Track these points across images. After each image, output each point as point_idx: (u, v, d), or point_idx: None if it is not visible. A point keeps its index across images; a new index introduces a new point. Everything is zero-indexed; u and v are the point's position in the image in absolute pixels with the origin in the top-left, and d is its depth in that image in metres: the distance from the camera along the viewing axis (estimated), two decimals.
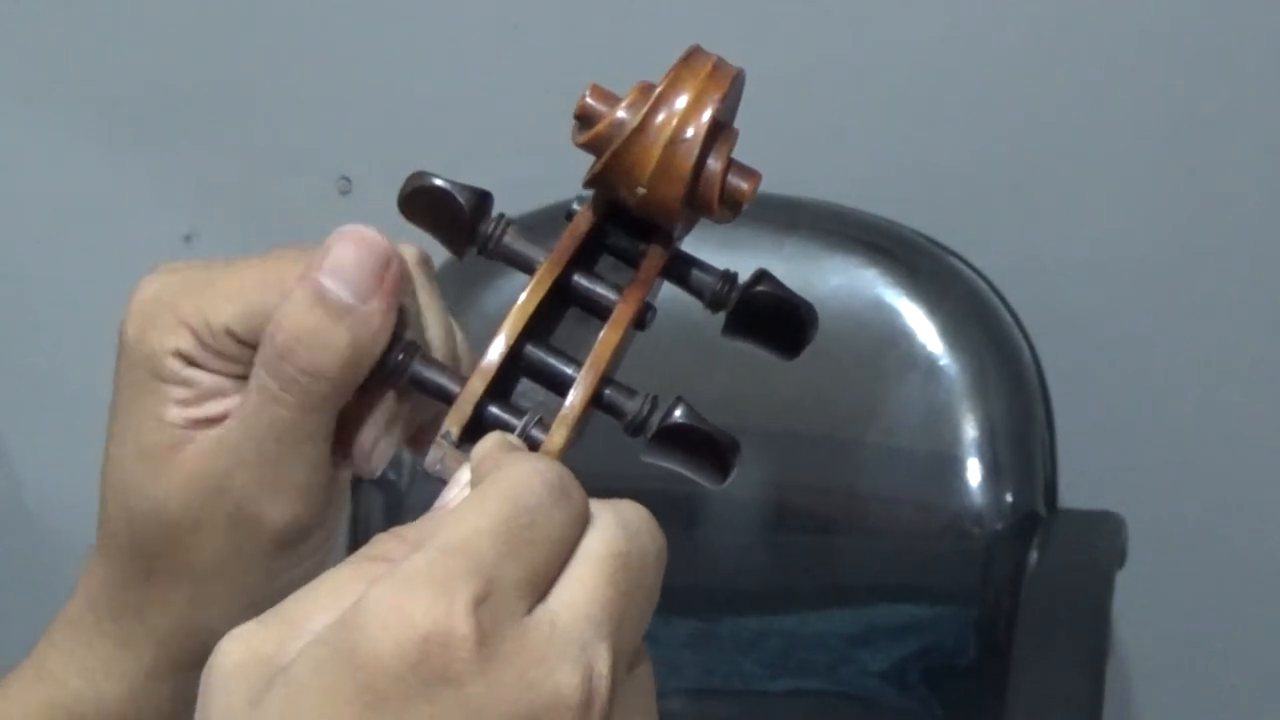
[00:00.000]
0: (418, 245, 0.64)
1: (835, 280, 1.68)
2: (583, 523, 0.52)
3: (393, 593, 0.48)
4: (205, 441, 0.61)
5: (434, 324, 0.63)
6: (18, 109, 1.89)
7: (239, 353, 0.61)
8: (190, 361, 0.61)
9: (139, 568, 0.63)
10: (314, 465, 0.62)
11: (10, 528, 2.05)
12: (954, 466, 1.66)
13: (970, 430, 1.66)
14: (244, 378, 0.61)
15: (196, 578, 0.62)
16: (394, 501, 1.68)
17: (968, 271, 1.71)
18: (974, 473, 1.66)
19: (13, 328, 1.97)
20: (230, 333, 0.61)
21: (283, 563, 0.63)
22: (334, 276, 0.59)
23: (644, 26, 1.76)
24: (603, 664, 0.49)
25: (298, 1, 1.83)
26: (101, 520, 0.64)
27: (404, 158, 1.79)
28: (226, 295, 0.61)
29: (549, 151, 1.72)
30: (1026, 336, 1.70)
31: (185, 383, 0.61)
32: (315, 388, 0.59)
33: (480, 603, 0.48)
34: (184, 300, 0.61)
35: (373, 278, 0.59)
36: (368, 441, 0.62)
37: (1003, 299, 1.71)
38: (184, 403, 0.61)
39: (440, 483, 0.56)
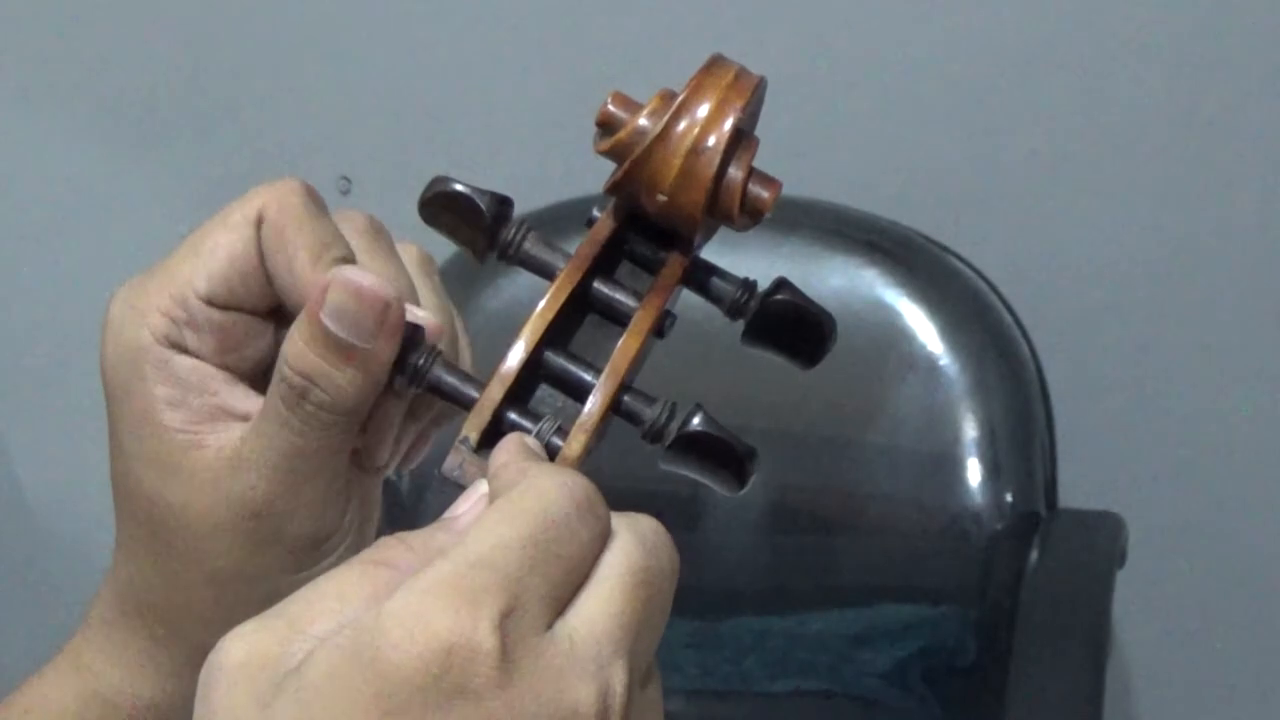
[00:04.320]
0: (418, 245, 0.64)
1: (835, 280, 1.68)
2: (605, 538, 0.52)
3: (417, 601, 0.48)
4: (223, 451, 0.61)
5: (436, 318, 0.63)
6: (18, 109, 1.89)
7: (221, 320, 0.61)
8: (172, 344, 0.61)
9: (163, 570, 0.63)
10: (332, 479, 0.62)
11: (10, 528, 2.04)
12: (954, 466, 1.66)
13: (970, 430, 1.66)
14: (226, 367, 0.62)
15: (219, 581, 0.62)
16: (394, 502, 1.68)
17: (968, 271, 1.71)
18: (974, 473, 1.66)
19: (13, 328, 1.97)
20: (209, 300, 0.61)
21: (305, 566, 0.62)
22: (336, 320, 0.58)
23: (640, 25, 1.76)
24: (619, 682, 0.49)
25: (298, 2, 1.83)
26: (119, 524, 0.64)
27: (404, 158, 1.81)
28: (194, 269, 0.61)
29: (548, 151, 1.73)
30: (1026, 336, 1.70)
31: (169, 378, 0.61)
32: (330, 419, 0.60)
33: (505, 617, 0.48)
34: (151, 290, 0.61)
35: (373, 323, 0.58)
36: (387, 445, 0.62)
37: (1003, 299, 1.71)
38: (173, 403, 0.61)
39: (457, 488, 0.56)
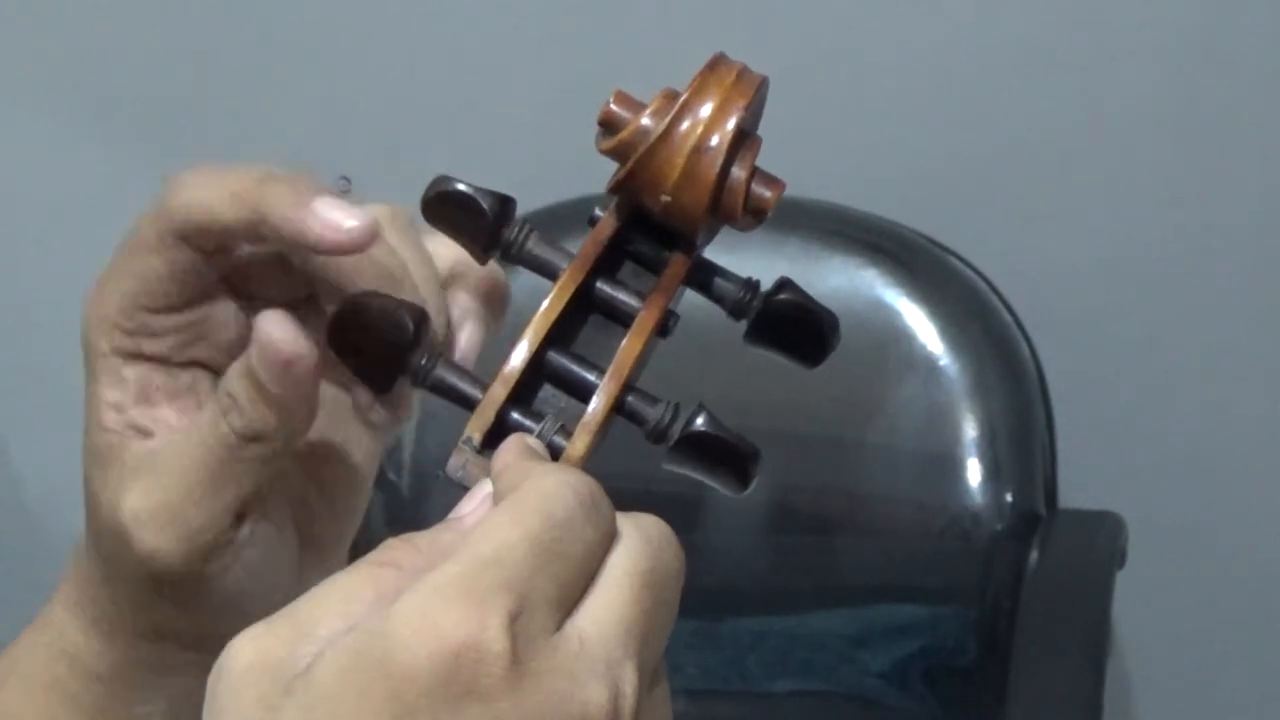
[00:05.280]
0: (391, 206, 0.64)
1: (835, 280, 1.68)
2: (610, 538, 0.51)
3: (425, 603, 0.47)
4: (146, 446, 0.62)
5: (419, 283, 0.62)
6: (18, 109, 1.89)
7: (176, 321, 0.62)
8: (127, 353, 0.62)
9: (93, 556, 0.64)
10: (217, 515, 0.61)
11: (10, 528, 2.04)
12: (954, 466, 1.66)
13: (970, 430, 1.66)
14: (197, 361, 0.62)
15: (133, 573, 0.62)
16: (394, 502, 1.67)
17: (968, 271, 1.71)
18: (974, 473, 1.66)
19: (13, 328, 1.97)
20: (156, 310, 0.61)
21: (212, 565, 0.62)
22: (256, 359, 0.60)
23: (640, 24, 1.76)
24: (628, 683, 0.49)
25: (298, 2, 1.83)
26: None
27: (404, 158, 1.81)
28: (136, 286, 0.61)
29: (548, 151, 1.73)
30: (1026, 336, 1.70)
31: (118, 383, 0.62)
32: (241, 440, 0.61)
33: (514, 618, 0.47)
34: (106, 297, 0.62)
35: (277, 374, 0.59)
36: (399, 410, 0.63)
37: (1003, 299, 1.71)
38: (116, 407, 0.62)
39: (459, 488, 0.56)
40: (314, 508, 0.66)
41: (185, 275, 0.61)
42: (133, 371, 0.62)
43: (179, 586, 0.62)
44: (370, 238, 0.59)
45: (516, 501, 0.51)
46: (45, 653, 0.66)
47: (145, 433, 0.62)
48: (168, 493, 0.61)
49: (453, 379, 0.59)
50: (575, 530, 0.50)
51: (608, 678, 0.49)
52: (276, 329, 0.59)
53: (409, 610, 0.47)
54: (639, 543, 0.52)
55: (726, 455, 0.58)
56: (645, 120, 0.58)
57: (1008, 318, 1.70)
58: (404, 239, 0.62)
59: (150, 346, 0.62)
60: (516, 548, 0.49)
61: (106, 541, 0.62)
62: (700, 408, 0.58)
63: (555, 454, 0.57)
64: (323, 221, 0.59)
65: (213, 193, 0.60)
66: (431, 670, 0.47)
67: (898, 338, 1.68)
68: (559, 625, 0.49)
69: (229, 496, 0.61)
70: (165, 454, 0.61)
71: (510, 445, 0.56)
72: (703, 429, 0.58)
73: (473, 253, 0.61)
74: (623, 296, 0.60)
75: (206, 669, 0.50)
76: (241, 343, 0.62)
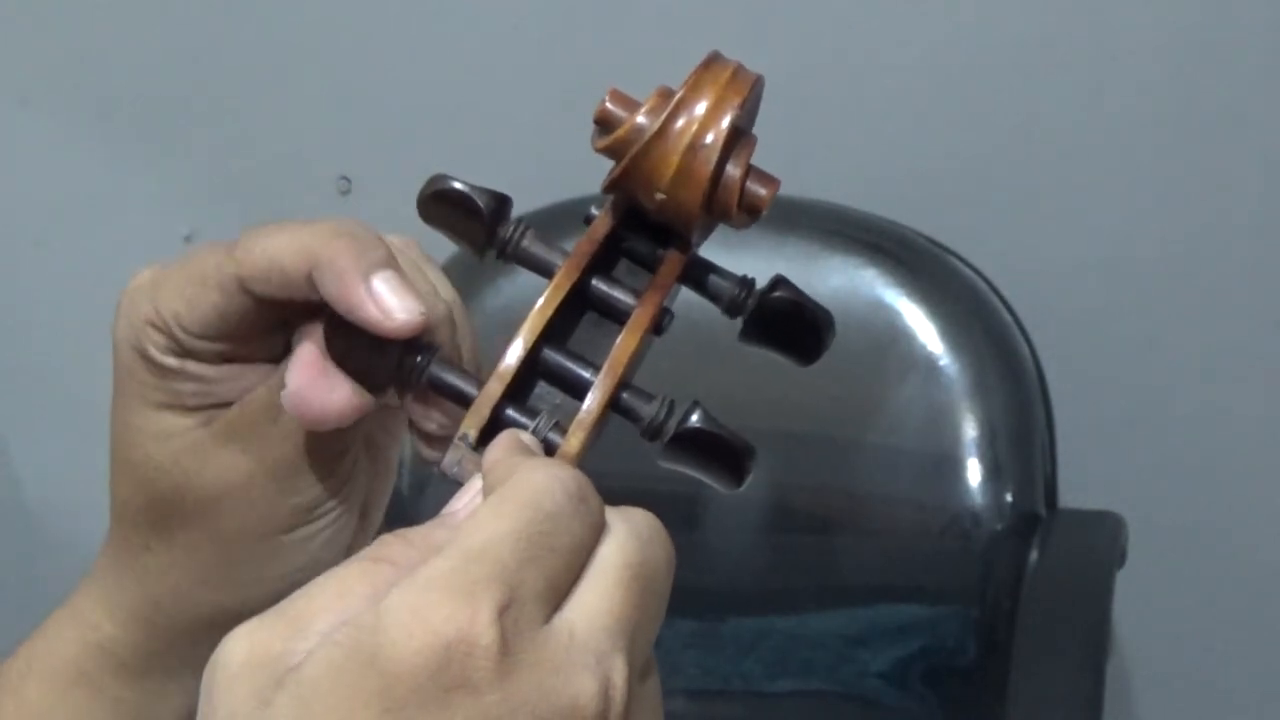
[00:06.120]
0: (402, 237, 0.64)
1: (835, 280, 1.68)
2: (599, 531, 0.52)
3: (415, 597, 0.48)
4: (249, 405, 0.63)
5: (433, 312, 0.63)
6: (17, 109, 1.89)
7: (220, 348, 0.62)
8: (176, 354, 0.62)
9: (164, 535, 0.64)
10: (336, 454, 0.63)
11: (10, 528, 2.05)
12: (954, 466, 1.66)
13: (970, 430, 1.66)
14: (232, 359, 0.63)
15: (225, 539, 0.64)
16: (393, 501, 1.67)
17: (968, 271, 1.71)
18: (974, 473, 1.66)
19: (13, 328, 1.97)
20: (204, 336, 0.62)
21: (299, 525, 0.64)
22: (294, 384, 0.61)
23: (642, 26, 1.76)
24: (619, 675, 0.49)
25: (298, 2, 1.83)
26: (117, 495, 0.65)
27: (404, 158, 1.81)
28: (185, 311, 0.62)
29: (548, 151, 1.73)
30: (1026, 336, 1.70)
31: (181, 375, 0.62)
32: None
33: (503, 611, 0.48)
34: (144, 302, 0.62)
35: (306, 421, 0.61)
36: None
37: (1003, 299, 1.71)
38: (188, 393, 0.63)
39: (456, 485, 0.56)
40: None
41: (238, 316, 0.62)
42: (189, 364, 0.63)
43: (246, 559, 0.63)
44: (416, 332, 0.59)
45: (504, 495, 0.51)
46: (72, 646, 0.66)
47: (220, 408, 0.63)
48: (275, 449, 0.62)
49: (449, 376, 0.59)
50: (563, 523, 0.51)
51: (598, 670, 0.49)
52: (301, 389, 0.60)
53: (399, 605, 0.48)
54: (628, 536, 0.52)
55: (721, 451, 0.58)
56: (640, 118, 0.58)
57: (1008, 318, 1.70)
58: (418, 270, 0.63)
59: (202, 350, 0.63)
60: (504, 541, 0.49)
61: (188, 512, 0.63)
62: (695, 404, 0.58)
63: (550, 450, 0.57)
64: (376, 302, 0.59)
65: (280, 242, 0.60)
66: (422, 664, 0.47)
67: (897, 338, 1.67)
68: (548, 618, 0.49)
69: (333, 449, 0.63)
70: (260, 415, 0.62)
71: (501, 441, 0.56)
72: (697, 425, 0.58)
73: (470, 250, 0.61)
74: (618, 294, 0.60)
75: None
76: (273, 348, 0.63)
